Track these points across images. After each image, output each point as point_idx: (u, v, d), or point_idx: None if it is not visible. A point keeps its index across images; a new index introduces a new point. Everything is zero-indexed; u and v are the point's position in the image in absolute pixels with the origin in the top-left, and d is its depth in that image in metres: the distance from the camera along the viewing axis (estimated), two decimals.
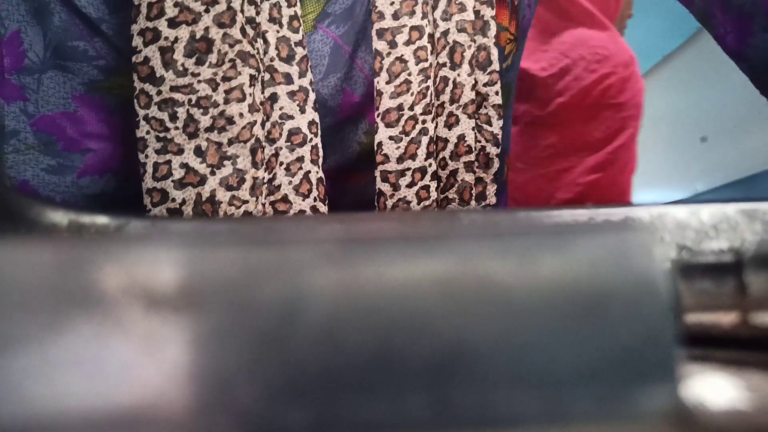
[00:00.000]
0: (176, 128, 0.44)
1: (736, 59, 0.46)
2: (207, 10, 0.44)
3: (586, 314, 0.09)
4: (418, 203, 0.48)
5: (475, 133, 0.51)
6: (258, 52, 0.46)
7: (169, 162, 0.44)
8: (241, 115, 0.44)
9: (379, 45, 0.48)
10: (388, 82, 0.48)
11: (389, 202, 0.48)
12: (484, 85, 0.50)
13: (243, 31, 0.45)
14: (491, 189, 0.51)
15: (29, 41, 0.48)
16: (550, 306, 0.09)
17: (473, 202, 0.50)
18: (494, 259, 0.09)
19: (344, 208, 0.52)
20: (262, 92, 0.46)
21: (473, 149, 0.50)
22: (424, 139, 0.49)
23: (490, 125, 0.51)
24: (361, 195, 0.52)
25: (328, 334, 0.09)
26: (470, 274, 0.09)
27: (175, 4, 0.44)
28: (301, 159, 0.47)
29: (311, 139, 0.48)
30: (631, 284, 0.09)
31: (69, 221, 0.21)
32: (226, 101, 0.44)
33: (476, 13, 0.50)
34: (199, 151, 0.44)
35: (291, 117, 0.47)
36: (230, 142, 0.45)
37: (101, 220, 0.21)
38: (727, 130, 2.39)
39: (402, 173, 0.48)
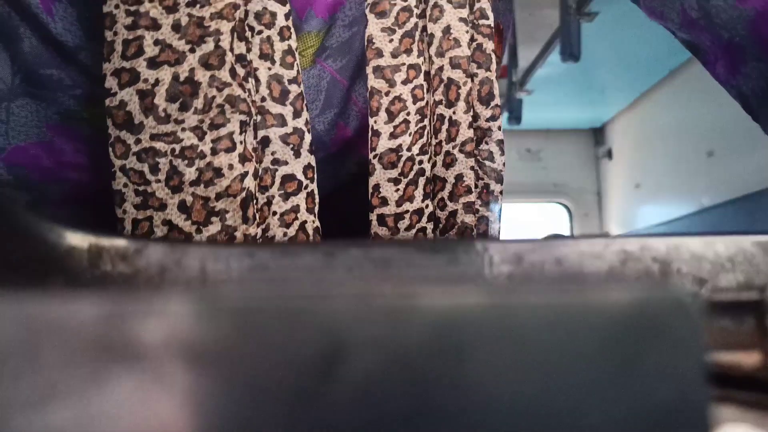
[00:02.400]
0: (158, 181, 0.40)
1: (727, 87, 0.46)
2: (192, 50, 0.40)
3: (618, 368, 0.09)
4: None
5: (477, 171, 0.49)
6: (249, 94, 0.43)
7: (150, 218, 0.40)
8: (230, 166, 0.41)
9: (377, 83, 0.46)
10: (386, 122, 0.46)
11: None
12: (487, 120, 0.49)
13: (233, 72, 0.41)
14: (495, 227, 0.50)
15: None
16: (582, 360, 0.09)
17: None
18: (526, 311, 0.09)
19: (331, 238, 0.51)
20: (254, 137, 0.43)
21: (473, 189, 0.48)
22: (422, 181, 0.47)
23: (493, 161, 0.50)
24: (348, 224, 0.50)
25: (365, 389, 0.09)
26: (503, 325, 0.09)
27: (156, 42, 0.40)
28: (296, 208, 0.44)
29: (307, 185, 0.45)
30: (663, 336, 0.09)
31: (89, 245, 0.21)
32: (214, 151, 0.40)
33: (478, 46, 0.49)
34: (183, 207, 0.40)
35: (285, 162, 0.44)
36: (218, 197, 0.41)
37: (120, 243, 0.21)
38: (733, 146, 2.39)
39: (400, 216, 0.47)
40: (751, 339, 0.18)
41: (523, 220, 3.52)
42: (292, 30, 0.46)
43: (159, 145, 0.40)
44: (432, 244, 0.22)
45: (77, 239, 0.20)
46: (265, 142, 0.44)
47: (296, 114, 0.45)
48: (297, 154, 0.45)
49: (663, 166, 2.72)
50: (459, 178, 0.49)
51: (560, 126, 3.33)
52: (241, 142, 0.42)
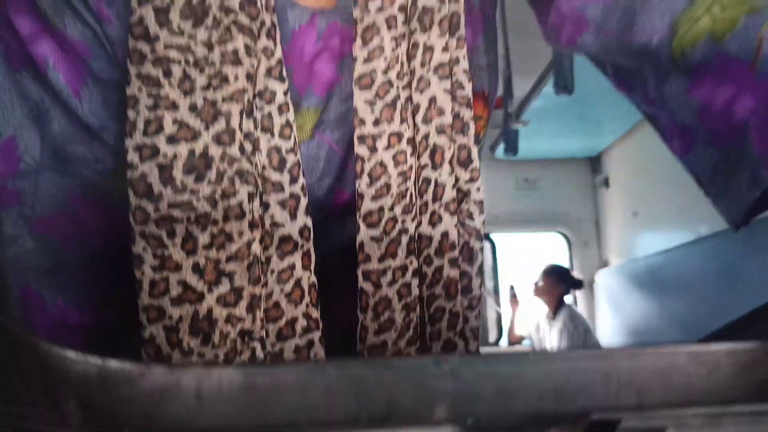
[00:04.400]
0: (174, 245, 0.44)
1: (682, 162, 0.49)
2: (207, 128, 0.45)
3: None
4: (399, 300, 0.50)
5: (458, 229, 0.53)
6: (256, 167, 0.48)
7: (166, 279, 0.44)
8: (240, 233, 0.46)
9: (360, 150, 0.51)
10: (369, 185, 0.50)
11: (371, 301, 0.50)
12: (466, 182, 0.53)
13: (242, 148, 0.46)
14: (476, 282, 0.54)
15: (25, 145, 0.50)
16: None
17: (459, 296, 0.52)
18: None
19: (342, 297, 0.54)
20: (260, 204, 0.48)
21: (456, 246, 0.52)
22: (404, 238, 0.51)
23: (473, 220, 0.54)
24: (351, 279, 0.53)
25: None
26: None
27: (174, 121, 0.45)
28: (292, 266, 0.49)
29: (302, 245, 0.49)
30: None
31: (98, 370, 0.24)
32: (226, 219, 0.45)
33: (455, 115, 0.53)
34: (197, 269, 0.44)
35: (281, 225, 0.49)
36: (228, 260, 0.45)
37: (125, 367, 0.24)
38: None
39: (383, 272, 0.50)
40: None
41: (522, 250, 3.55)
42: (290, 105, 0.50)
43: (176, 213, 0.45)
44: (400, 362, 0.25)
45: (87, 366, 0.24)
46: (266, 207, 0.49)
47: (293, 180, 0.50)
48: (293, 216, 0.50)
49: (660, 194, 2.75)
50: (444, 235, 0.53)
51: (557, 155, 3.36)
52: (249, 211, 0.46)
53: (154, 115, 0.45)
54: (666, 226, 2.74)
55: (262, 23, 0.48)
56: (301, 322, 0.50)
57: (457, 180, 0.53)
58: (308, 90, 0.53)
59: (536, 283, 3.11)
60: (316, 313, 0.50)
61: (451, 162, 0.52)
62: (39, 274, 0.54)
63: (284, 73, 0.50)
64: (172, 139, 0.45)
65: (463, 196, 0.54)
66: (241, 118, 0.47)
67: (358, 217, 0.51)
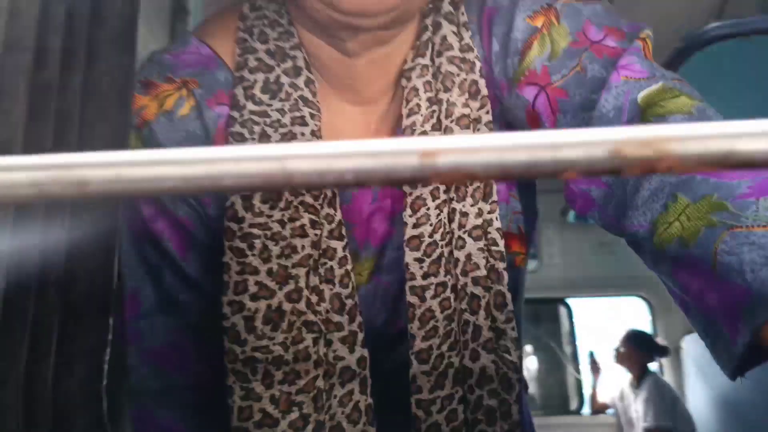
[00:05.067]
0: (256, 380, 0.56)
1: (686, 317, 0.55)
2: (280, 288, 0.57)
3: None
4: (447, 425, 0.59)
5: (497, 363, 0.61)
6: (320, 315, 0.59)
7: (250, 407, 0.56)
8: (307, 371, 0.57)
9: (412, 299, 0.60)
10: (419, 328, 0.60)
11: (423, 426, 0.59)
12: (502, 323, 0.62)
13: (308, 303, 0.58)
14: (515, 409, 0.61)
15: (144, 294, 0.64)
16: None
17: (499, 422, 0.60)
18: None
19: (397, 410, 0.63)
20: (324, 345, 0.58)
21: (494, 378, 0.60)
22: (451, 371, 0.60)
23: (509, 354, 0.62)
24: (405, 398, 0.62)
25: None
26: None
27: (256, 283, 0.57)
28: (351, 392, 0.59)
29: (360, 373, 0.60)
30: None
31: None
32: (295, 360, 0.57)
33: (491, 267, 0.62)
34: (273, 399, 0.56)
35: (342, 358, 0.59)
36: (298, 392, 0.56)
37: None
38: None
39: (433, 401, 0.59)
40: None
41: (602, 314, 3.48)
42: (349, 258, 0.61)
43: (257, 355, 0.57)
44: None
45: None
46: (329, 343, 0.59)
47: (351, 320, 0.60)
48: (352, 350, 0.60)
49: None
50: (482, 369, 0.61)
51: None
52: (315, 353, 0.57)
53: (241, 278, 0.57)
54: None
55: (325, 196, 0.60)
56: None
57: (494, 321, 0.62)
58: (366, 242, 0.64)
59: (617, 350, 3.03)
60: (372, 430, 0.60)
61: (487, 307, 0.61)
62: (151, 394, 0.66)
63: (343, 232, 0.61)
64: (254, 297, 0.57)
65: (500, 334, 0.62)
66: (308, 277, 0.58)
67: (410, 353, 0.61)
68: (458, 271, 0.62)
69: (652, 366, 3.02)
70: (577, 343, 3.34)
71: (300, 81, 0.62)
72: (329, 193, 0.61)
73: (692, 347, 3.09)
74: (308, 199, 0.59)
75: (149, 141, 0.61)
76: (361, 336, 0.61)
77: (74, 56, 0.35)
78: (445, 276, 0.62)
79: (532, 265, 3.26)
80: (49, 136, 0.34)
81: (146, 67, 0.64)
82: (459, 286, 0.62)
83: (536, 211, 0.74)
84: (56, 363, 0.34)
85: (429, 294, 0.61)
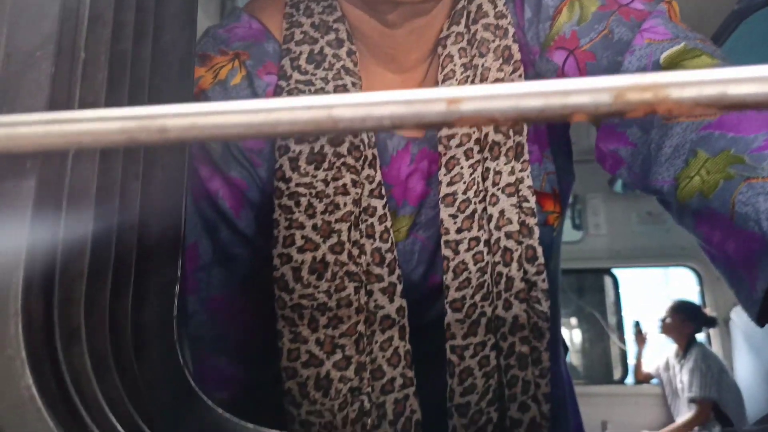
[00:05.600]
0: (303, 324, 0.62)
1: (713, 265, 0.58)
2: (324, 241, 0.62)
3: None
4: (479, 369, 0.63)
5: (528, 312, 0.65)
6: (360, 267, 0.64)
7: (297, 349, 0.62)
8: (349, 317, 0.62)
9: (446, 252, 0.65)
10: (453, 279, 0.64)
11: (456, 370, 0.63)
12: (533, 275, 0.65)
13: (349, 255, 0.63)
14: (545, 356, 0.65)
15: (203, 248, 0.70)
16: None
17: (530, 367, 0.64)
18: None
19: (432, 360, 0.67)
20: (365, 293, 0.63)
21: (526, 326, 0.64)
22: (483, 320, 0.64)
23: (540, 305, 0.65)
24: (442, 346, 0.66)
25: None
26: None
27: (302, 237, 0.63)
28: (391, 338, 0.64)
29: (399, 321, 0.65)
30: None
31: None
32: (338, 306, 0.62)
33: (522, 222, 0.65)
34: (318, 342, 0.62)
35: (382, 307, 0.64)
36: (341, 336, 0.62)
37: None
38: None
39: (466, 347, 0.63)
40: None
41: (650, 286, 3.43)
42: (388, 216, 0.66)
43: (304, 302, 0.62)
44: None
45: (254, 431, 0.39)
46: (370, 293, 0.65)
47: (390, 272, 0.65)
48: (391, 300, 0.65)
49: None
50: (515, 318, 0.65)
51: None
52: (356, 300, 0.62)
53: (289, 233, 0.63)
54: None
55: (365, 158, 0.64)
56: (399, 381, 0.64)
57: (526, 273, 0.65)
58: (404, 202, 0.68)
59: (664, 320, 3.01)
60: (410, 373, 0.65)
61: (519, 260, 0.65)
62: (207, 339, 0.73)
63: (383, 192, 0.65)
64: (300, 250, 0.63)
65: (531, 285, 0.66)
66: (350, 232, 0.63)
67: (445, 303, 0.65)
68: (492, 226, 0.66)
69: (699, 337, 2.98)
70: (623, 313, 3.32)
71: (342, 52, 0.66)
72: (369, 156, 0.65)
73: (741, 319, 3.03)
74: (350, 160, 0.63)
75: None
76: (399, 287, 0.65)
77: (145, 30, 0.40)
78: (479, 231, 0.65)
79: (576, 235, 3.25)
80: (125, 101, 0.40)
81: (202, 41, 0.69)
82: (492, 241, 0.66)
83: (572, 173, 0.76)
84: (134, 297, 0.40)
85: (462, 247, 0.65)
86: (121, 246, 0.40)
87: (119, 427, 0.33)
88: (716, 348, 3.12)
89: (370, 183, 0.65)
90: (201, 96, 0.67)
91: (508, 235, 0.65)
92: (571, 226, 3.20)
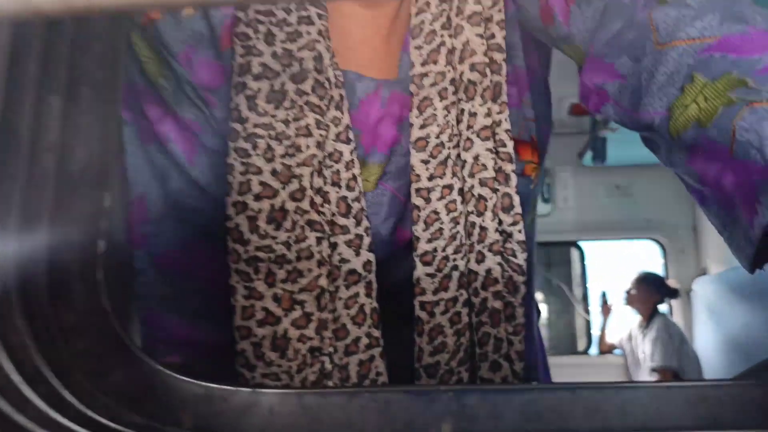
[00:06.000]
0: (258, 279, 0.56)
1: (703, 211, 0.54)
2: (283, 188, 0.56)
3: None
4: (451, 327, 0.59)
5: (503, 265, 0.60)
6: (324, 216, 0.58)
7: (252, 306, 0.56)
8: (309, 270, 0.56)
9: (417, 201, 0.60)
10: (424, 230, 0.59)
11: (426, 327, 0.59)
12: (509, 225, 0.61)
13: (311, 202, 0.57)
14: (520, 311, 0.61)
15: (151, 199, 0.63)
16: None
17: (503, 324, 0.60)
18: None
19: (402, 320, 0.63)
20: (328, 245, 0.58)
21: (499, 280, 0.59)
22: (455, 274, 0.59)
23: (516, 258, 0.61)
24: (410, 306, 0.62)
25: None
26: None
27: (260, 183, 0.57)
28: (356, 295, 0.59)
29: (365, 276, 0.59)
30: None
31: (204, 390, 0.34)
32: (298, 259, 0.56)
33: (499, 168, 0.60)
34: (276, 298, 0.56)
35: (348, 261, 0.59)
36: (300, 291, 0.56)
37: (223, 388, 0.34)
38: None
39: (437, 303, 0.59)
40: None
41: (614, 257, 3.47)
42: (356, 162, 0.60)
43: (260, 254, 0.56)
44: (425, 391, 0.33)
45: (197, 386, 0.33)
46: (335, 246, 0.59)
47: (357, 223, 0.60)
48: (357, 253, 0.60)
49: None
50: (488, 271, 0.60)
51: (650, 161, 3.23)
52: (318, 252, 0.57)
53: (245, 178, 0.56)
54: None
55: (331, 98, 0.58)
56: (364, 340, 0.59)
57: (501, 223, 0.61)
58: (373, 149, 0.63)
59: (628, 291, 3.04)
60: (377, 333, 0.60)
61: (493, 209, 0.60)
62: (159, 298, 0.67)
63: (351, 136, 0.60)
64: (257, 197, 0.57)
65: (506, 237, 0.61)
66: (312, 177, 0.57)
67: (414, 256, 0.60)
68: (465, 173, 0.61)
69: (662, 308, 3.03)
70: (588, 285, 3.35)
71: None
72: (336, 96, 0.59)
73: (703, 290, 3.09)
74: (313, 99, 0.58)
75: (154, 40, 0.60)
76: (367, 240, 0.60)
77: None
78: (452, 178, 0.61)
79: (545, 208, 3.25)
80: None
81: None
82: (465, 189, 0.61)
83: (551, 123, 0.72)
84: (51, 229, 0.34)
85: (435, 196, 0.60)
86: (36, 168, 0.34)
87: (19, 379, 0.27)
88: (677, 319, 3.19)
89: (336, 126, 0.59)
90: (149, 27, 0.60)
91: (483, 183, 0.60)
92: (540, 199, 3.19)
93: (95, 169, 0.35)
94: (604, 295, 3.24)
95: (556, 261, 3.49)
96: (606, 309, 3.22)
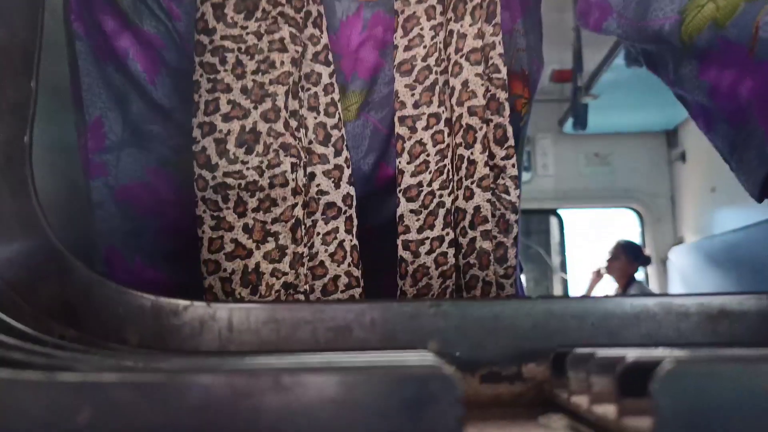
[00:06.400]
0: (227, 208, 0.51)
1: (708, 138, 0.51)
2: (255, 107, 0.51)
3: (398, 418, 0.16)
4: (436, 268, 0.54)
5: (494, 203, 0.56)
6: (300, 141, 0.53)
7: (221, 237, 0.51)
8: (284, 198, 0.52)
9: (401, 130, 0.55)
10: (408, 162, 0.55)
11: (410, 268, 0.54)
12: (502, 159, 0.57)
13: (286, 124, 0.52)
14: (512, 252, 0.57)
15: (109, 125, 0.58)
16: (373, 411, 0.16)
17: (493, 266, 0.56)
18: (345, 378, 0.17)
19: (386, 265, 0.59)
20: (304, 174, 0.53)
21: (489, 219, 0.55)
22: (441, 211, 0.55)
23: (508, 194, 0.57)
24: (393, 248, 0.58)
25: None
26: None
27: (228, 102, 0.51)
28: (335, 230, 0.54)
29: (345, 211, 0.55)
30: (428, 393, 0.16)
31: (151, 303, 0.30)
32: (271, 186, 0.51)
33: (492, 96, 0.56)
34: (247, 229, 0.51)
35: (327, 193, 0.54)
36: (274, 221, 0.51)
37: (172, 302, 0.30)
38: None
39: (421, 242, 0.55)
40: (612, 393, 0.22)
41: (591, 226, 3.48)
42: (335, 86, 0.55)
43: (229, 180, 0.51)
44: (392, 304, 0.29)
45: (143, 299, 0.29)
46: (312, 176, 0.55)
47: (337, 153, 0.55)
48: (337, 185, 0.55)
49: None
50: (477, 209, 0.56)
51: (630, 129, 3.25)
52: (293, 179, 0.52)
53: (212, 97, 0.51)
54: (745, 203, 2.61)
55: (308, 14, 0.53)
56: (343, 280, 0.55)
57: (492, 157, 0.56)
58: (354, 75, 0.58)
59: (609, 260, 3.04)
60: (357, 272, 0.55)
61: (483, 141, 0.55)
62: (120, 235, 0.62)
63: (330, 58, 0.55)
64: (226, 117, 0.51)
65: (499, 172, 0.57)
66: (287, 98, 0.52)
67: (398, 191, 0.56)
68: (453, 101, 0.56)
69: (639, 276, 3.05)
70: (566, 254, 3.35)
71: None
72: (314, 12, 0.54)
73: (678, 258, 3.12)
74: (288, 10, 0.52)
75: None
76: (347, 172, 0.56)
77: None
78: (439, 107, 0.56)
79: (525, 176, 3.22)
80: None
81: None
82: (453, 119, 0.56)
83: (542, 58, 0.67)
84: None
85: (420, 125, 0.56)
86: None
87: None
88: (653, 286, 3.21)
89: (315, 45, 0.54)
90: None
91: (472, 112, 0.56)
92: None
93: (17, 51, 0.30)
94: (599, 270, 3.18)
95: (534, 229, 3.48)
96: (597, 277, 3.17)
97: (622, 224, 3.37)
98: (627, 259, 2.97)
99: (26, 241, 0.29)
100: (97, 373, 0.17)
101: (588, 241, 3.60)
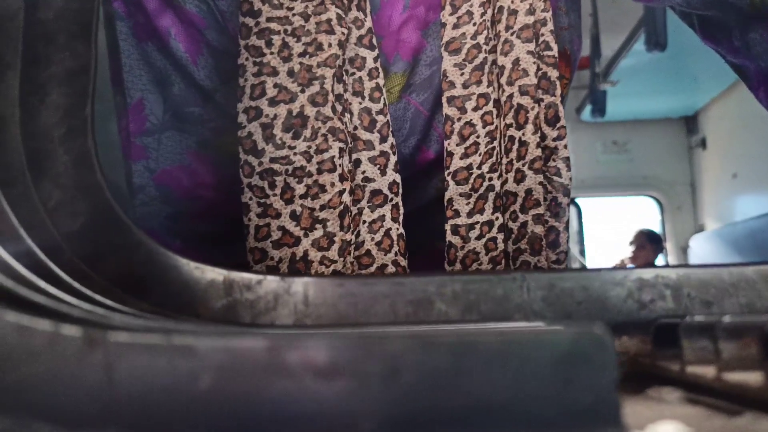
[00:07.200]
0: (275, 195, 0.50)
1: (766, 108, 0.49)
2: (302, 91, 0.50)
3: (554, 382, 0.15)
4: (486, 254, 0.53)
5: (545, 185, 0.54)
6: (346, 126, 0.52)
7: (268, 225, 0.50)
8: (332, 184, 0.50)
9: (450, 111, 0.53)
10: (458, 144, 0.53)
11: (459, 254, 0.53)
12: (553, 140, 0.55)
13: (334, 108, 0.51)
14: (564, 237, 0.55)
15: (150, 107, 0.57)
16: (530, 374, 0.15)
17: (545, 252, 0.54)
18: (492, 344, 0.15)
19: (421, 249, 0.58)
20: (350, 160, 0.52)
21: (541, 202, 0.54)
22: (491, 195, 0.53)
23: (560, 177, 0.55)
24: (435, 232, 0.57)
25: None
26: (485, 353, 0.15)
27: (275, 85, 0.50)
28: (382, 218, 0.53)
29: (392, 198, 0.53)
30: (585, 359, 0.15)
31: (224, 277, 0.29)
32: (319, 171, 0.50)
33: (543, 74, 0.54)
34: (294, 216, 0.50)
35: (372, 180, 0.53)
36: (322, 208, 0.50)
37: (245, 276, 0.29)
38: None
39: (471, 227, 0.53)
40: (755, 360, 0.22)
41: (611, 214, 3.44)
42: (380, 70, 0.54)
43: (276, 167, 0.50)
44: (474, 276, 0.28)
45: (215, 274, 0.28)
46: (357, 163, 0.53)
47: (382, 139, 0.54)
48: (383, 172, 0.54)
49: (763, 154, 2.58)
50: (528, 192, 0.55)
51: (649, 116, 3.21)
52: (340, 165, 0.51)
53: (258, 80, 0.50)
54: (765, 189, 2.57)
55: None
56: (390, 269, 0.53)
57: (543, 138, 0.55)
58: (396, 56, 0.56)
59: (633, 250, 3.02)
60: (403, 262, 0.54)
61: (535, 121, 0.54)
62: (161, 219, 0.61)
63: (374, 41, 0.53)
64: (272, 101, 0.50)
65: (550, 153, 0.55)
66: (334, 81, 0.51)
67: (447, 174, 0.54)
68: (503, 80, 0.55)
69: (659, 263, 3.02)
70: (585, 243, 3.32)
71: None
72: None
73: (700, 246, 3.08)
74: None
75: None
76: (393, 158, 0.54)
77: None
78: (488, 87, 0.54)
79: None
80: None
81: None
82: (503, 99, 0.55)
83: (581, 37, 0.65)
84: (27, 89, 0.28)
85: (470, 105, 0.54)
86: (8, 24, 0.28)
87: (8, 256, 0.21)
88: None
89: (359, 28, 0.53)
90: None
91: (523, 91, 0.54)
92: None
93: (73, 15, 0.29)
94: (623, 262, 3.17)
95: None
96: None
97: (640, 212, 3.33)
98: (651, 247, 2.95)
99: (91, 215, 0.28)
100: (216, 336, 0.15)
101: (607, 229, 3.56)
